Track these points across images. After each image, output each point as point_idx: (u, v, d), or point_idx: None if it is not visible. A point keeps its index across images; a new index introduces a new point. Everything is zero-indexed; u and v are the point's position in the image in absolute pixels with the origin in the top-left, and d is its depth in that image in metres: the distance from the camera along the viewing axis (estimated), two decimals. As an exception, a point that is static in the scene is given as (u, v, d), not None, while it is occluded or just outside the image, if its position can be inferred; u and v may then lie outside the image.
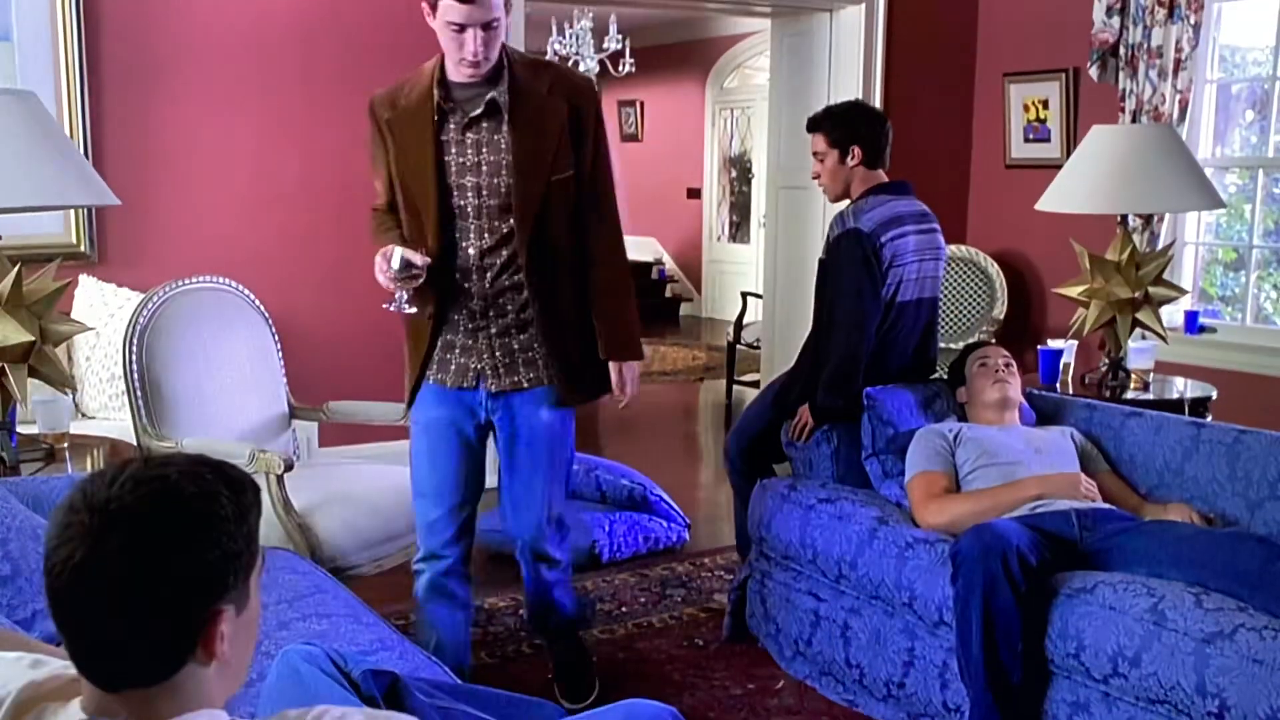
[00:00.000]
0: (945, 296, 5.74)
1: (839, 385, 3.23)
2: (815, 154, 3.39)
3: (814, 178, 3.44)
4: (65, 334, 3.02)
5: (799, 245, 6.07)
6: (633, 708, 1.75)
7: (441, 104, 2.54)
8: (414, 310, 2.57)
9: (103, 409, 3.85)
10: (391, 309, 2.55)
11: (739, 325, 7.21)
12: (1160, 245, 4.89)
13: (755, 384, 6.79)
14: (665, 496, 4.39)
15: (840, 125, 3.34)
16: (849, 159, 3.32)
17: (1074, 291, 4.07)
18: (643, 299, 12.45)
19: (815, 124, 3.39)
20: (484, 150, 2.54)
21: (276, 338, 3.61)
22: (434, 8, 2.46)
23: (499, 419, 2.71)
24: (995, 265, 5.67)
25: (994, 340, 5.09)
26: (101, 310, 3.86)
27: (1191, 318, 5.05)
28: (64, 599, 1.07)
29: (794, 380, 3.42)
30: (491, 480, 2.94)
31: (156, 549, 1.06)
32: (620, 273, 2.73)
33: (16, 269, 2.84)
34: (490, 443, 2.80)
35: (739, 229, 11.03)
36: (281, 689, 1.71)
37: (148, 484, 1.08)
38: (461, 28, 2.41)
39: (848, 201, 3.37)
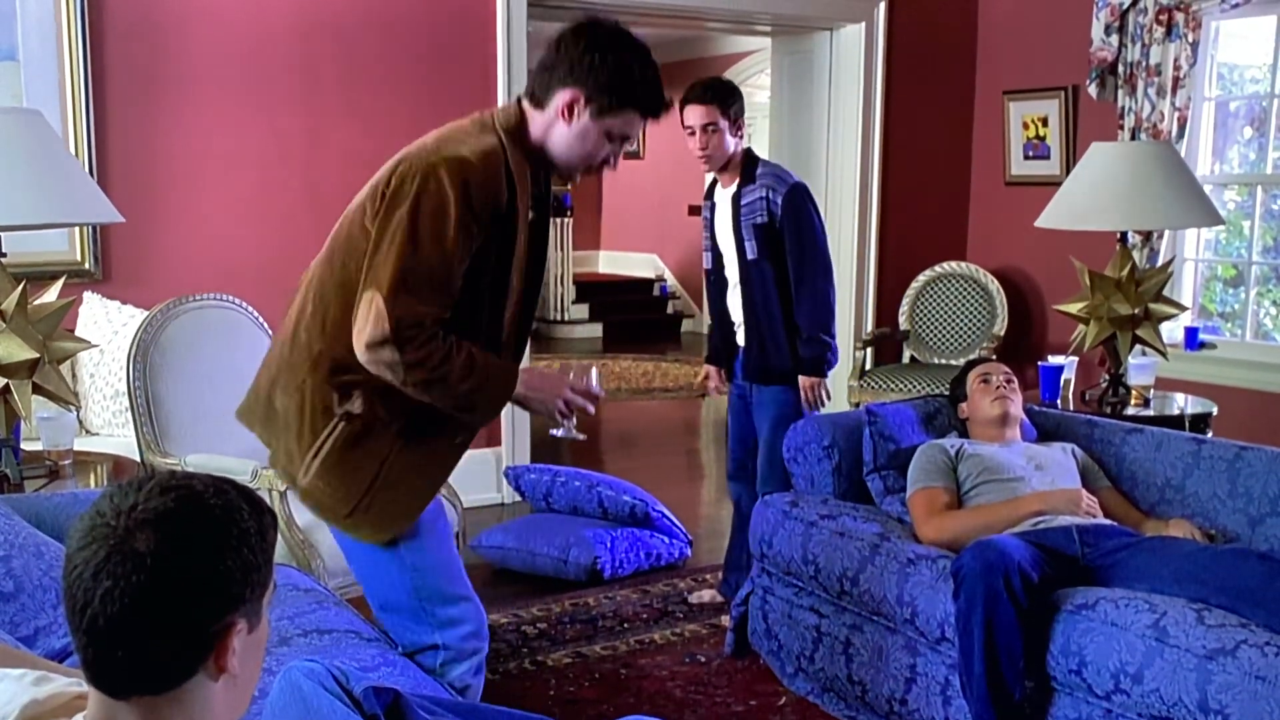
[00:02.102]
0: (945, 313, 5.76)
1: (828, 325, 3.45)
2: (706, 126, 3.40)
3: (704, 150, 3.44)
4: (69, 351, 3.03)
5: (800, 262, 6.09)
6: (634, 724, 1.75)
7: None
8: (582, 436, 2.29)
9: (106, 426, 3.85)
10: (560, 435, 2.22)
11: (740, 342, 7.22)
12: (1160, 262, 4.90)
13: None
14: (667, 513, 4.39)
15: (731, 97, 3.45)
16: (738, 129, 3.46)
17: (1074, 308, 4.08)
18: (644, 315, 12.44)
19: (710, 96, 3.41)
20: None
21: (279, 355, 3.61)
22: (607, 111, 2.08)
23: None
24: (995, 282, 5.68)
25: (994, 357, 5.10)
26: (105, 327, 3.87)
27: (1191, 334, 5.06)
28: (81, 599, 1.08)
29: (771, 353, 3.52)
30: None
31: (179, 550, 1.08)
32: None
33: (21, 286, 2.86)
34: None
35: (740, 246, 11.05)
36: (284, 706, 1.71)
37: (174, 490, 1.11)
38: (627, 139, 2.14)
39: (717, 172, 3.56)
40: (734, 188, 3.52)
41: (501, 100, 4.84)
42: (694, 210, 11.31)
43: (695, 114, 3.43)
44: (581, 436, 2.28)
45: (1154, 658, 2.32)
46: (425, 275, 1.98)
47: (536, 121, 2.12)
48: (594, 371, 2.18)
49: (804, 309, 3.45)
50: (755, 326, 3.53)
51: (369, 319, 1.97)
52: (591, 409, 2.20)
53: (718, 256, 3.65)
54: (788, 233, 3.43)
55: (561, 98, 2.07)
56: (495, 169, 2.03)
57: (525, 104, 2.14)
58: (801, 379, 3.48)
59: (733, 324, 3.68)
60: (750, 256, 3.48)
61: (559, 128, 2.10)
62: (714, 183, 3.68)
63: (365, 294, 1.98)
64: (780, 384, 3.53)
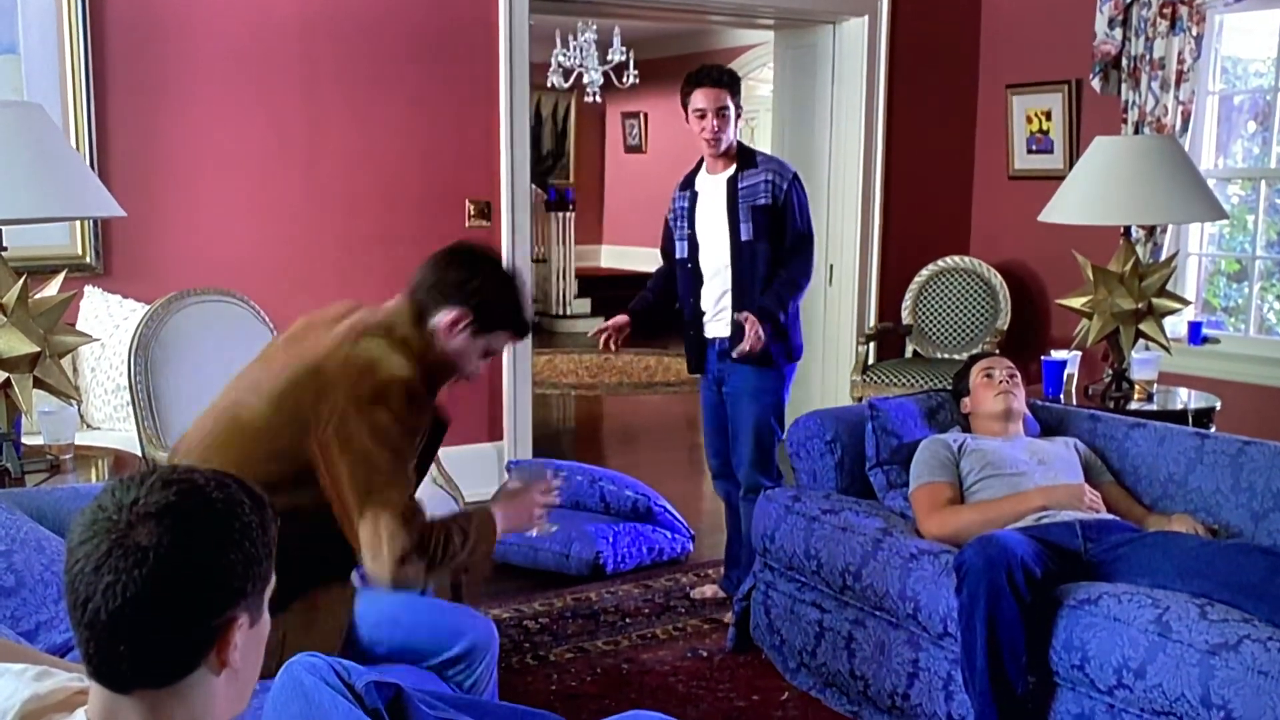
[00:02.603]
0: (948, 307, 5.75)
1: (792, 300, 3.56)
2: (719, 110, 3.49)
3: (715, 133, 3.49)
4: (70, 345, 3.03)
5: (802, 256, 6.08)
6: (634, 719, 1.74)
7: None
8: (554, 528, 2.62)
9: (108, 420, 3.85)
10: (536, 534, 2.55)
11: (742, 336, 7.21)
12: (1163, 256, 4.89)
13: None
14: (669, 507, 4.39)
15: (738, 83, 3.61)
16: (739, 115, 3.59)
17: (1077, 302, 4.07)
18: (646, 310, 12.20)
19: (728, 82, 3.54)
20: None
21: (281, 349, 3.61)
22: (486, 331, 2.29)
23: None
24: (999, 276, 5.67)
25: (997, 351, 5.09)
26: (107, 321, 3.87)
27: (1195, 329, 5.05)
28: (83, 593, 1.07)
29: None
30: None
31: (181, 544, 1.08)
32: None
33: (22, 280, 2.85)
34: None
35: (742, 240, 11.03)
36: (285, 701, 1.71)
37: (176, 484, 1.11)
38: (493, 354, 2.39)
39: (711, 159, 3.61)
40: (728, 172, 3.56)
41: (504, 97, 4.83)
42: (696, 204, 11.31)
43: (710, 97, 3.49)
44: (554, 529, 2.61)
45: (1156, 653, 2.32)
46: (412, 485, 2.21)
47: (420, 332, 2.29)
48: (546, 470, 2.47)
49: (790, 271, 3.51)
50: (741, 308, 3.51)
51: (386, 541, 2.07)
52: (558, 501, 2.45)
53: (695, 245, 3.65)
54: (791, 216, 3.52)
55: (446, 316, 2.25)
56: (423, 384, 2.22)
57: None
58: (746, 314, 3.40)
59: (703, 315, 3.66)
60: (745, 238, 3.51)
61: (437, 341, 2.28)
62: (693, 173, 3.71)
63: (369, 516, 2.07)
64: (761, 366, 3.53)
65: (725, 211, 3.54)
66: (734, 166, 3.56)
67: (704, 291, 3.65)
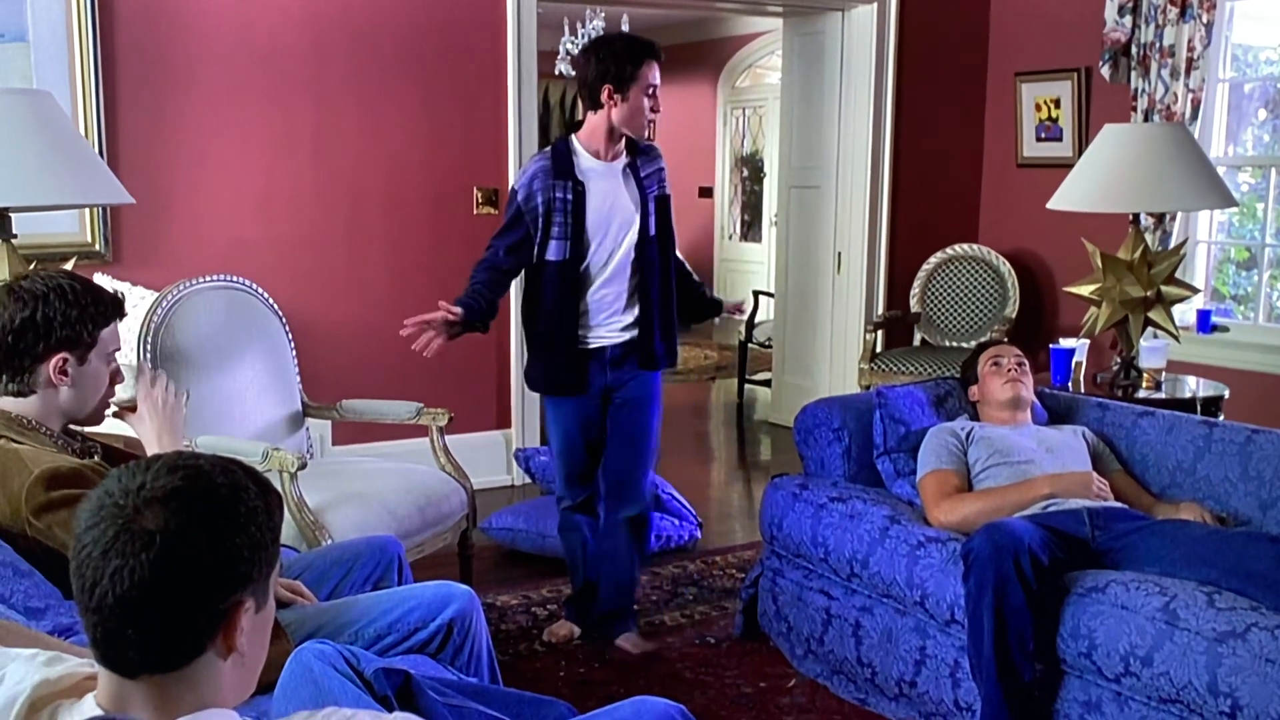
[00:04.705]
0: (956, 295, 5.74)
1: None
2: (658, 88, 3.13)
3: (656, 112, 3.11)
4: (80, 333, 3.03)
5: (810, 244, 6.07)
6: (641, 705, 1.75)
7: None
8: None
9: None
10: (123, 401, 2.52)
11: (750, 324, 7.21)
12: (1172, 244, 4.87)
13: (767, 383, 6.78)
14: (677, 495, 4.40)
15: None
16: None
17: (1086, 290, 4.07)
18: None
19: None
20: None
21: (290, 336, 3.63)
22: (90, 347, 2.17)
23: None
24: (1007, 264, 5.66)
25: (1006, 339, 5.08)
26: (116, 309, 3.88)
27: (1204, 317, 5.03)
28: (91, 578, 1.08)
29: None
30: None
31: (188, 528, 1.09)
32: None
33: (32, 267, 2.86)
34: None
35: (750, 228, 11.02)
36: (295, 688, 1.72)
37: (181, 470, 1.12)
38: None
39: (603, 143, 3.13)
40: (623, 160, 3.13)
41: (512, 85, 4.83)
42: (704, 192, 11.29)
43: (659, 73, 3.08)
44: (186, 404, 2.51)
45: (1164, 640, 2.32)
46: None
47: None
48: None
49: (684, 267, 3.44)
50: (649, 311, 3.18)
51: None
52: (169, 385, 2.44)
53: (581, 245, 3.08)
54: (670, 206, 3.23)
55: (46, 369, 2.11)
56: None
57: None
58: (727, 303, 3.71)
59: (584, 325, 3.14)
60: (652, 233, 3.15)
61: (60, 399, 2.20)
62: (565, 159, 3.07)
63: None
64: (655, 370, 3.28)
65: (634, 204, 3.11)
66: (625, 153, 3.14)
67: (591, 297, 3.13)
